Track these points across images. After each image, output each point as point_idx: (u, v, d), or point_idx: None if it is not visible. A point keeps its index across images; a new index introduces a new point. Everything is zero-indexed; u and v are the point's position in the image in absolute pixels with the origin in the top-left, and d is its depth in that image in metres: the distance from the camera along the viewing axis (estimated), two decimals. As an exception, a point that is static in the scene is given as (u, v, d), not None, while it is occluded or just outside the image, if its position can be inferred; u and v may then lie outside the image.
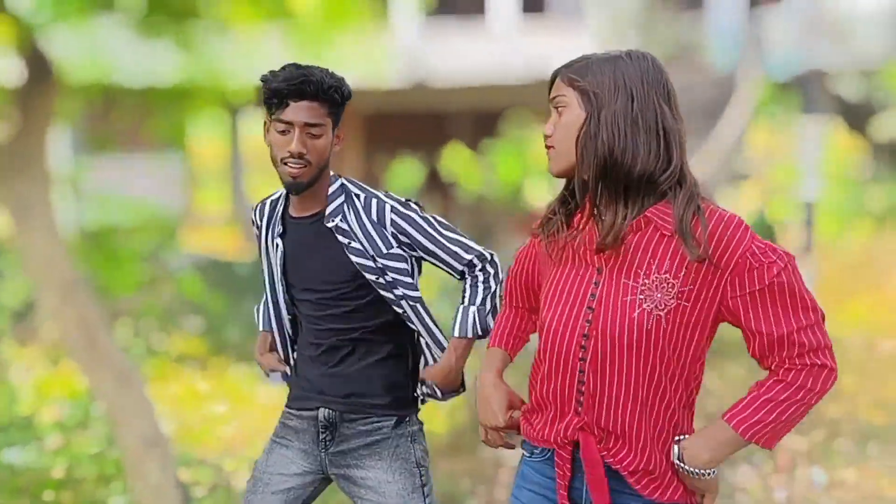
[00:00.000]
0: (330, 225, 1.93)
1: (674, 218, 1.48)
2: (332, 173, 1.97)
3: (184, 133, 10.84)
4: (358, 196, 1.97)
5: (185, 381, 5.22)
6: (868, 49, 12.67)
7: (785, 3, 14.19)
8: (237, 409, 4.74)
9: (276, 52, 10.60)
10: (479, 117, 14.16)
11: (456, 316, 1.95)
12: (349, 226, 1.93)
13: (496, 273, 1.98)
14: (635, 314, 1.47)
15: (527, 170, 11.10)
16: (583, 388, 1.53)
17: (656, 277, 1.47)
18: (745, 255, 1.46)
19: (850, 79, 14.29)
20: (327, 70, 1.93)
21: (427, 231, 1.93)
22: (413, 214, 1.94)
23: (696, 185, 1.52)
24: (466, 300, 1.96)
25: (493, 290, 1.96)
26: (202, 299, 7.42)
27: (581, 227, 1.56)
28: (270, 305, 2.07)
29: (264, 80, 1.90)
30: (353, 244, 1.92)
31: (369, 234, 1.92)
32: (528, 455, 1.66)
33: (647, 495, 1.52)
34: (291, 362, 2.08)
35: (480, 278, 1.96)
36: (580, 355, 1.53)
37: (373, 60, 9.38)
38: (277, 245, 2.00)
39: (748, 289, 1.46)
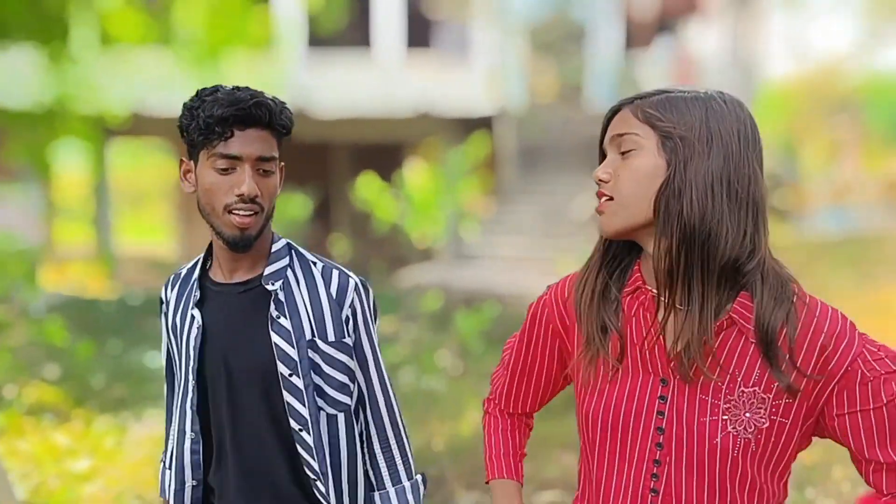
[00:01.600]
0: (270, 288, 1.53)
1: (756, 324, 1.18)
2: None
3: (45, 160, 10.07)
4: (314, 263, 1.59)
5: (42, 436, 4.69)
6: (720, 87, 13.43)
7: (654, 47, 14.93)
8: (101, 465, 4.30)
9: (156, 75, 10.09)
10: (361, 150, 13.99)
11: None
12: (290, 295, 1.55)
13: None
14: (717, 439, 1.19)
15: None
16: None
17: (743, 392, 1.18)
18: (857, 362, 1.18)
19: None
20: (275, 98, 1.55)
21: (372, 341, 1.58)
22: (370, 307, 1.59)
23: (783, 278, 1.20)
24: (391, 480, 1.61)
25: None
26: (63, 343, 6.80)
27: (638, 322, 1.24)
28: (176, 417, 1.63)
29: (194, 105, 1.50)
30: (282, 320, 1.53)
31: (320, 311, 1.53)
32: None
33: None
34: None
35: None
36: (651, 486, 1.24)
37: (254, 87, 9.07)
38: (193, 318, 1.56)
39: (859, 407, 1.18)
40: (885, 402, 1.17)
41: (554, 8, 14.40)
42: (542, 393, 1.45)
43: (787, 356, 1.16)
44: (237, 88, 1.53)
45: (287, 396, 1.52)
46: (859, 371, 1.17)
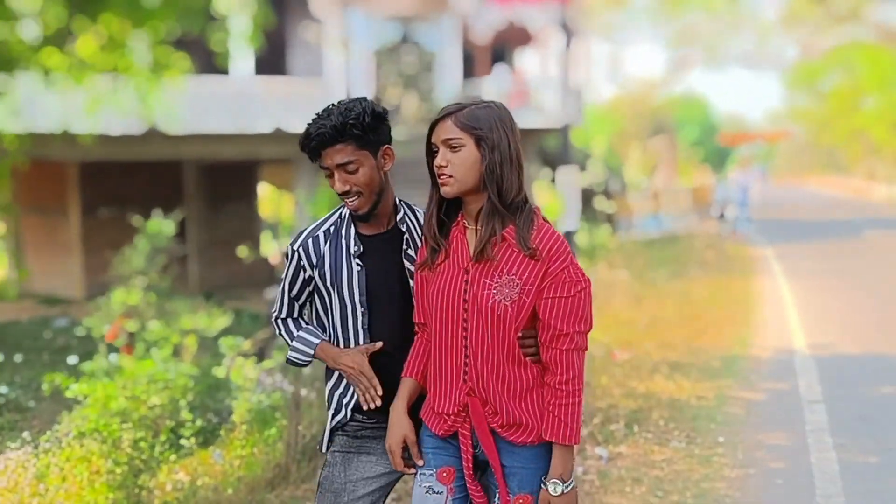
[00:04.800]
0: (403, 228, 2.19)
1: (517, 227, 2.01)
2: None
3: None
4: (416, 210, 2.25)
5: None
6: (553, 111, 14.70)
7: (493, 73, 15.98)
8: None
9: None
10: (214, 169, 14.01)
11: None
12: (412, 234, 2.21)
13: None
14: (489, 304, 2.00)
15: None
16: (468, 361, 2.03)
17: (507, 278, 1.99)
18: (565, 270, 2.01)
19: (547, 137, 16.45)
20: (347, 105, 2.13)
21: None
22: None
23: (531, 206, 2.06)
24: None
25: None
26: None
27: (457, 241, 2.06)
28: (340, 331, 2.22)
29: (301, 138, 2.14)
30: (410, 251, 2.20)
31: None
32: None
33: (514, 440, 2.03)
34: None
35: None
36: (463, 335, 2.04)
37: (100, 106, 8.99)
38: (354, 268, 2.19)
39: (557, 293, 2.00)
40: (571, 294, 1.99)
41: (401, 36, 15.13)
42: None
43: (529, 246, 1.99)
44: (320, 116, 2.15)
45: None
46: (564, 276, 2.00)
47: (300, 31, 13.56)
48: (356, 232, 2.23)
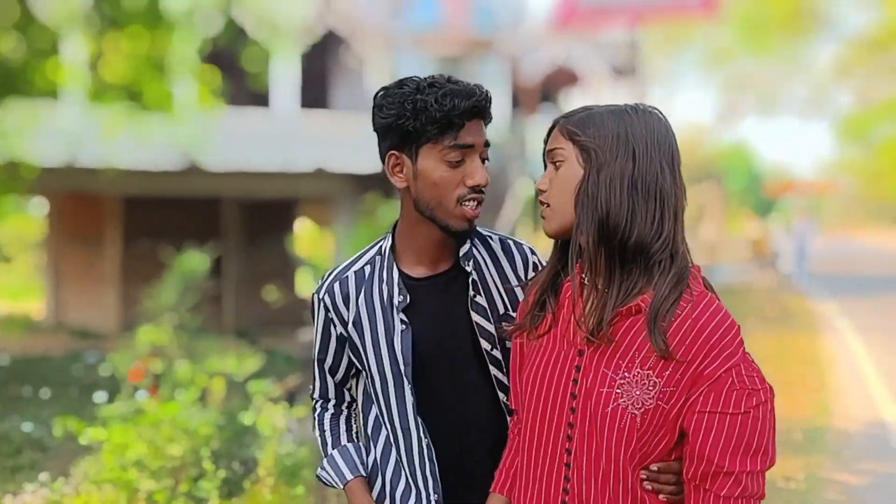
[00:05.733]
0: (469, 269, 1.58)
1: (652, 301, 1.36)
2: None
3: None
4: (490, 237, 1.65)
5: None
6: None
7: (539, 113, 15.68)
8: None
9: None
10: (253, 205, 13.84)
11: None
12: (481, 273, 1.61)
13: None
14: (609, 409, 1.37)
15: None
16: (569, 483, 1.42)
17: (638, 373, 1.35)
18: (731, 371, 1.34)
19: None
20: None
21: None
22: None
23: (688, 265, 1.40)
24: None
25: None
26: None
27: (568, 301, 1.44)
28: (387, 422, 1.64)
29: (418, 98, 1.49)
30: (479, 299, 1.59)
31: (509, 284, 1.60)
32: None
33: None
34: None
35: None
36: (567, 446, 1.42)
37: (142, 139, 8.85)
38: (398, 326, 1.58)
39: (720, 409, 1.34)
40: (741, 410, 1.33)
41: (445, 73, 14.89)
42: None
43: (667, 333, 1.34)
44: (451, 80, 1.54)
45: (493, 370, 1.60)
46: (731, 379, 1.34)
47: (344, 63, 13.39)
48: (400, 273, 1.61)
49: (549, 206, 1.45)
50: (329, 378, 1.72)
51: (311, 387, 1.80)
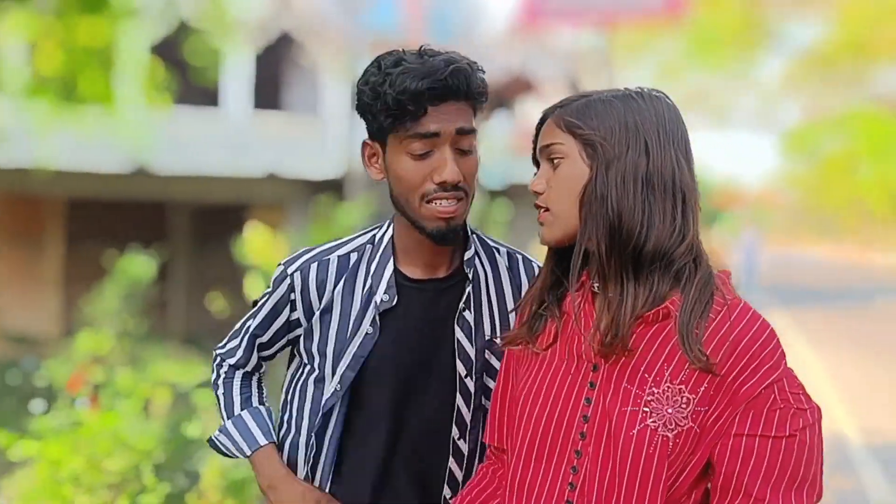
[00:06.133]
0: (470, 273, 1.37)
1: (682, 307, 1.17)
2: None
3: None
4: (497, 250, 1.43)
5: None
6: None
7: (493, 119, 15.65)
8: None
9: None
10: (202, 209, 13.52)
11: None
12: (478, 288, 1.38)
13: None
14: (634, 431, 1.16)
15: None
16: None
17: (669, 387, 1.16)
18: (774, 387, 1.16)
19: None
20: (457, 56, 1.34)
21: None
22: None
23: (712, 269, 1.22)
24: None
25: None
26: None
27: (577, 312, 1.24)
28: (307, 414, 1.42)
29: (378, 80, 1.31)
30: (467, 314, 1.37)
31: (504, 306, 1.39)
32: None
33: None
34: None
35: None
36: (570, 479, 1.21)
37: (83, 138, 8.50)
38: (365, 327, 1.37)
39: (760, 431, 1.15)
40: (786, 434, 1.15)
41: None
42: None
43: (702, 343, 1.16)
44: (425, 52, 1.33)
45: (459, 401, 1.38)
46: (773, 396, 1.16)
47: (298, 66, 13.16)
48: (395, 269, 1.39)
49: (547, 210, 1.25)
50: (255, 352, 1.51)
51: (222, 345, 1.54)
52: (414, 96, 1.28)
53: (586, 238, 1.21)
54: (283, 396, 1.52)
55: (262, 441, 1.45)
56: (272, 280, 1.47)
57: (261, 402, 1.52)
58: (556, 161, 1.24)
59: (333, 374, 1.41)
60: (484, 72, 1.37)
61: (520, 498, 1.25)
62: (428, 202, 1.32)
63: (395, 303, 1.38)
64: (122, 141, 7.74)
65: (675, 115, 1.24)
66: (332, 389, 1.40)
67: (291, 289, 1.43)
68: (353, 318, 1.40)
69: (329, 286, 1.41)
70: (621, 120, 1.21)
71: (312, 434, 1.43)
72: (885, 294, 17.38)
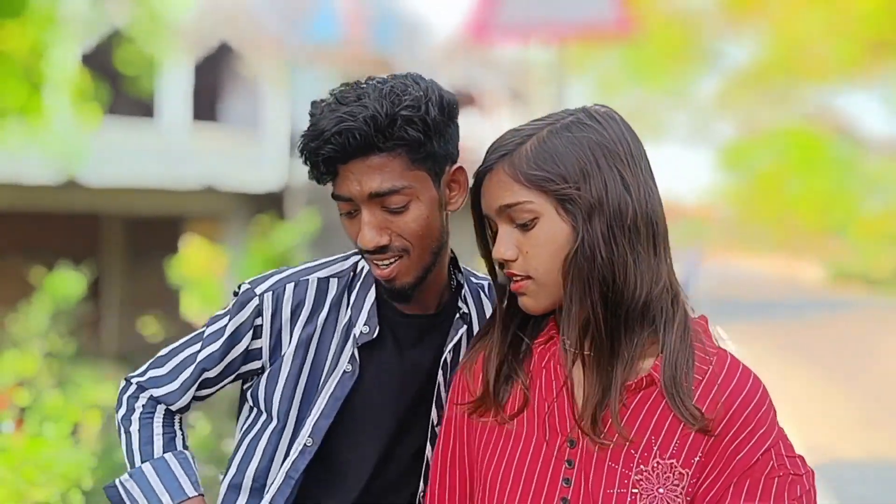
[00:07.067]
0: (464, 310, 1.24)
1: (664, 360, 1.06)
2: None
3: None
4: (481, 286, 1.30)
5: None
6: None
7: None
8: None
9: None
10: (136, 222, 13.14)
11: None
12: (470, 327, 1.25)
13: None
14: None
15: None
16: None
17: (659, 464, 1.05)
18: (770, 452, 1.08)
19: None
20: (395, 85, 1.16)
21: None
22: None
23: (686, 313, 1.10)
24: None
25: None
26: None
27: (548, 377, 1.11)
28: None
29: (302, 137, 1.18)
30: (448, 356, 1.24)
31: None
32: None
33: None
34: None
35: None
36: None
37: (10, 149, 8.15)
38: (343, 364, 1.22)
39: (758, 499, 1.06)
40: (786, 502, 1.07)
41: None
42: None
43: (691, 401, 1.06)
44: (341, 100, 1.16)
45: (429, 452, 1.25)
46: (771, 463, 1.08)
47: (237, 76, 12.91)
48: (376, 300, 1.24)
49: (530, 279, 1.08)
50: (192, 391, 1.29)
51: (142, 371, 1.32)
52: (312, 158, 1.17)
53: (575, 303, 1.06)
54: (234, 452, 1.34)
55: (191, 492, 1.26)
56: (233, 302, 1.29)
57: (185, 447, 1.32)
58: (526, 224, 1.08)
59: (300, 424, 1.25)
60: (421, 108, 1.16)
61: None
62: (367, 261, 1.22)
63: (375, 335, 1.23)
64: (50, 152, 7.42)
65: (632, 132, 1.10)
66: (302, 445, 1.24)
67: (259, 312, 1.26)
68: (330, 356, 1.24)
69: (306, 312, 1.25)
70: (587, 156, 1.05)
71: (271, 497, 1.26)
72: (815, 307, 17.85)
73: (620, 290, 1.04)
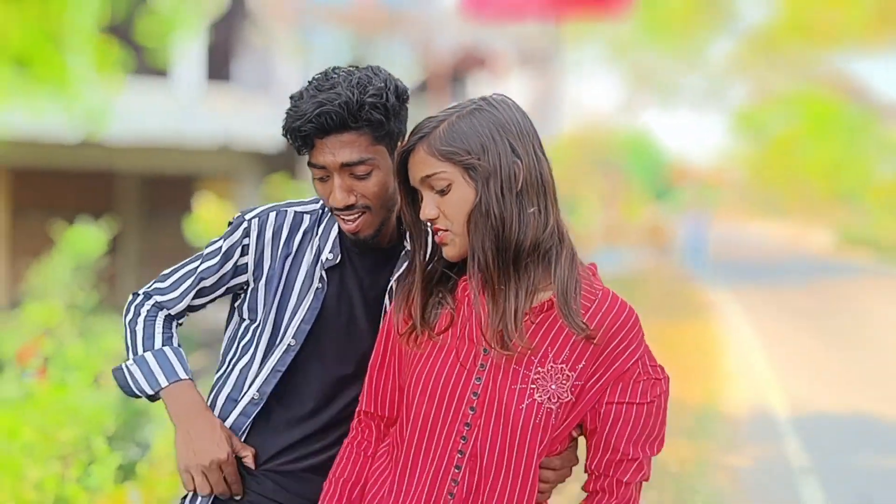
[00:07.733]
0: (407, 247, 1.51)
1: (555, 283, 1.36)
2: None
3: None
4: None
5: None
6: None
7: (448, 95, 15.67)
8: None
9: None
10: (152, 180, 13.35)
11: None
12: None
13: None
14: (524, 405, 1.35)
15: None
16: (456, 484, 1.38)
17: (552, 367, 1.36)
18: (639, 363, 1.40)
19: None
20: (360, 77, 1.46)
21: None
22: None
23: (574, 252, 1.42)
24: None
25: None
26: None
27: (476, 307, 1.39)
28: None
29: (286, 116, 1.46)
30: (394, 284, 1.55)
31: None
32: None
33: None
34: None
35: None
36: (459, 446, 1.38)
37: (35, 111, 8.35)
38: (313, 283, 1.51)
39: (628, 399, 1.39)
40: (647, 400, 1.40)
41: (353, 54, 14.70)
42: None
43: (581, 316, 1.36)
44: (317, 88, 1.45)
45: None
46: (638, 370, 1.40)
47: (250, 37, 13.01)
48: (339, 234, 1.55)
49: (448, 232, 1.38)
50: (192, 297, 1.59)
51: (148, 285, 1.62)
52: (295, 134, 1.46)
53: (479, 249, 1.35)
54: (222, 357, 1.63)
55: (183, 375, 1.54)
56: (229, 226, 1.59)
57: (179, 346, 1.60)
58: (443, 189, 1.36)
59: (277, 327, 1.53)
60: (383, 96, 1.46)
61: (415, 461, 1.39)
62: (336, 216, 1.52)
63: (338, 261, 1.54)
64: (74, 114, 7.62)
65: (523, 113, 1.39)
66: (286, 345, 1.53)
67: (247, 233, 1.56)
68: (304, 274, 1.54)
69: (283, 235, 1.55)
70: (486, 134, 1.34)
71: (256, 391, 1.56)
72: (822, 272, 17.95)
73: (508, 238, 1.34)
